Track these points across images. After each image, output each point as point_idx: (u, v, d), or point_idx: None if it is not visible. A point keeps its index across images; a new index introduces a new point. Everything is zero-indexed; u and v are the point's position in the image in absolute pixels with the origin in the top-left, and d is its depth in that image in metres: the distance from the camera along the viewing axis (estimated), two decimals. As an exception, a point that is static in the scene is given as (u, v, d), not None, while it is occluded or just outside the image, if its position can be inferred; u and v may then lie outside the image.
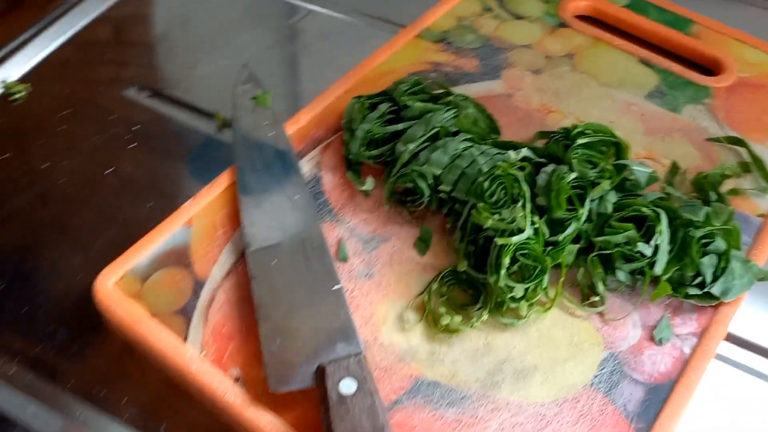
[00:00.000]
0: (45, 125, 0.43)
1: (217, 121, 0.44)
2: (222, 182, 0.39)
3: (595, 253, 0.35)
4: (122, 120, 0.43)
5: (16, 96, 0.44)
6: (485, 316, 0.33)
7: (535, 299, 0.34)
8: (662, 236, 0.34)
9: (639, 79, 0.46)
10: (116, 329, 0.34)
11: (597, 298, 0.35)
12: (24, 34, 0.47)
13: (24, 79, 0.45)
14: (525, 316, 0.34)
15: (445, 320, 0.33)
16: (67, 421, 0.31)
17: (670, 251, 0.34)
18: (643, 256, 0.34)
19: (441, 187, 0.37)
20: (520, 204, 0.34)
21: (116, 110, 0.44)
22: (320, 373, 0.30)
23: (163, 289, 0.34)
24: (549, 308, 0.34)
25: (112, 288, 0.34)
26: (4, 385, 0.32)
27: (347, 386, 0.30)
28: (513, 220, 0.33)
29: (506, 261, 0.33)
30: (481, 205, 0.34)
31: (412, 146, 0.37)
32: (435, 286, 0.35)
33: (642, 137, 0.43)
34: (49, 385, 0.32)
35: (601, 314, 0.35)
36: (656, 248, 0.34)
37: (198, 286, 0.35)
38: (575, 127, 0.38)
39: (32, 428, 0.30)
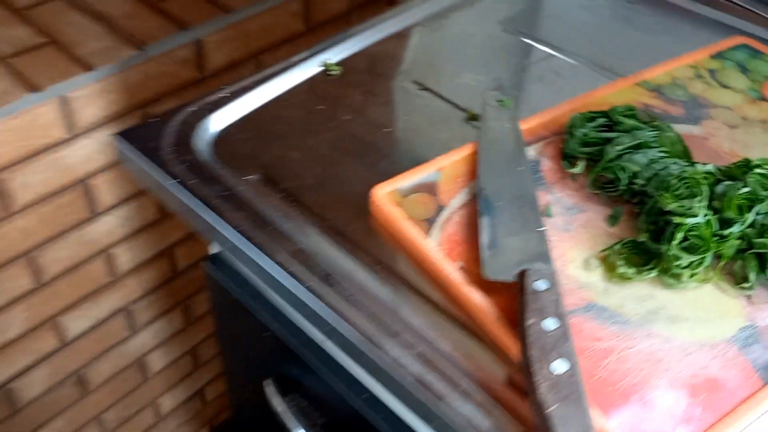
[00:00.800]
0: (348, 94, 0.60)
1: (468, 114, 0.58)
2: (467, 149, 0.53)
3: (753, 251, 0.44)
4: (400, 101, 0.60)
5: (332, 72, 0.62)
6: (653, 274, 0.44)
7: (696, 271, 0.43)
8: (813, 247, 0.42)
9: (824, 148, 0.54)
10: (382, 224, 0.48)
11: (748, 285, 0.43)
12: (344, 33, 0.65)
13: (339, 63, 0.63)
14: (685, 282, 0.43)
15: (622, 269, 0.44)
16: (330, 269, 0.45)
17: (819, 263, 0.42)
18: (794, 260, 0.42)
19: (636, 181, 0.48)
20: (698, 198, 0.44)
21: (396, 94, 0.60)
22: (521, 274, 0.42)
23: (416, 204, 0.48)
24: (706, 282, 0.43)
25: (383, 197, 0.49)
26: (310, 238, 0.47)
27: (540, 285, 0.41)
28: (690, 207, 0.43)
29: (679, 236, 0.43)
30: (667, 194, 0.45)
31: (618, 148, 0.49)
32: (617, 247, 0.45)
33: (816, 188, 0.50)
34: (333, 248, 0.47)
35: (748, 297, 0.43)
36: (806, 256, 0.42)
37: (440, 208, 0.48)
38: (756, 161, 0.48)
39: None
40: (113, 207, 0.89)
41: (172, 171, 0.50)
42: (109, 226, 0.90)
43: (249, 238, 0.46)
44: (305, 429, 0.58)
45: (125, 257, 0.96)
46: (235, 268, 0.59)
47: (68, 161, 0.80)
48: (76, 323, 0.95)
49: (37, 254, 0.84)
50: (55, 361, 0.96)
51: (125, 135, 0.53)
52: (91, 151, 0.81)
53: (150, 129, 0.54)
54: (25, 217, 0.79)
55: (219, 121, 0.56)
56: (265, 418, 0.69)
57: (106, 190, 0.87)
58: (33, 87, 0.73)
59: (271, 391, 0.60)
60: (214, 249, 0.61)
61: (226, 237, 0.47)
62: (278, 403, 0.60)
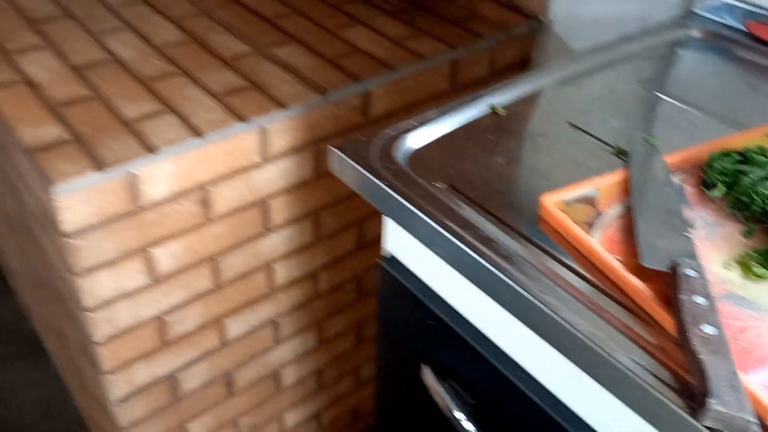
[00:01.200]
0: (513, 129, 0.73)
1: (615, 149, 0.70)
2: (619, 175, 0.64)
3: None
4: (557, 136, 0.72)
5: (499, 112, 0.75)
6: (784, 274, 0.52)
7: (823, 274, 0.52)
8: None
9: None
10: (549, 224, 0.59)
11: None
12: (506, 82, 0.79)
13: (505, 105, 0.76)
14: (813, 283, 0.52)
15: (756, 269, 0.53)
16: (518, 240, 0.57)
17: None
18: None
19: (768, 203, 0.57)
20: (825, 216, 0.53)
21: (553, 131, 0.73)
22: (673, 266, 0.52)
23: (578, 211, 0.60)
24: (832, 284, 0.52)
25: (552, 204, 0.60)
26: (491, 231, 0.59)
27: (690, 272, 0.51)
28: (818, 222, 0.52)
29: (808, 244, 0.52)
30: (797, 212, 0.54)
31: (754, 176, 0.59)
32: (751, 252, 0.55)
33: None
34: (510, 239, 0.58)
35: None
36: None
37: (598, 216, 0.59)
38: None
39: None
40: (280, 227, 1.04)
41: (380, 175, 0.64)
42: (275, 243, 1.05)
43: (444, 227, 0.58)
44: (460, 410, 0.68)
45: (281, 273, 1.10)
46: (405, 266, 0.72)
47: (256, 182, 0.96)
48: (235, 326, 1.09)
49: (220, 259, 0.99)
50: (214, 359, 1.10)
51: (340, 148, 0.68)
52: (273, 176, 0.98)
53: (356, 145, 0.68)
54: (218, 225, 0.96)
55: (412, 142, 0.69)
56: (411, 407, 0.80)
57: (278, 212, 1.02)
58: (240, 118, 0.90)
59: (428, 375, 0.71)
60: (387, 252, 0.74)
61: (426, 225, 0.59)
62: (436, 387, 0.70)
